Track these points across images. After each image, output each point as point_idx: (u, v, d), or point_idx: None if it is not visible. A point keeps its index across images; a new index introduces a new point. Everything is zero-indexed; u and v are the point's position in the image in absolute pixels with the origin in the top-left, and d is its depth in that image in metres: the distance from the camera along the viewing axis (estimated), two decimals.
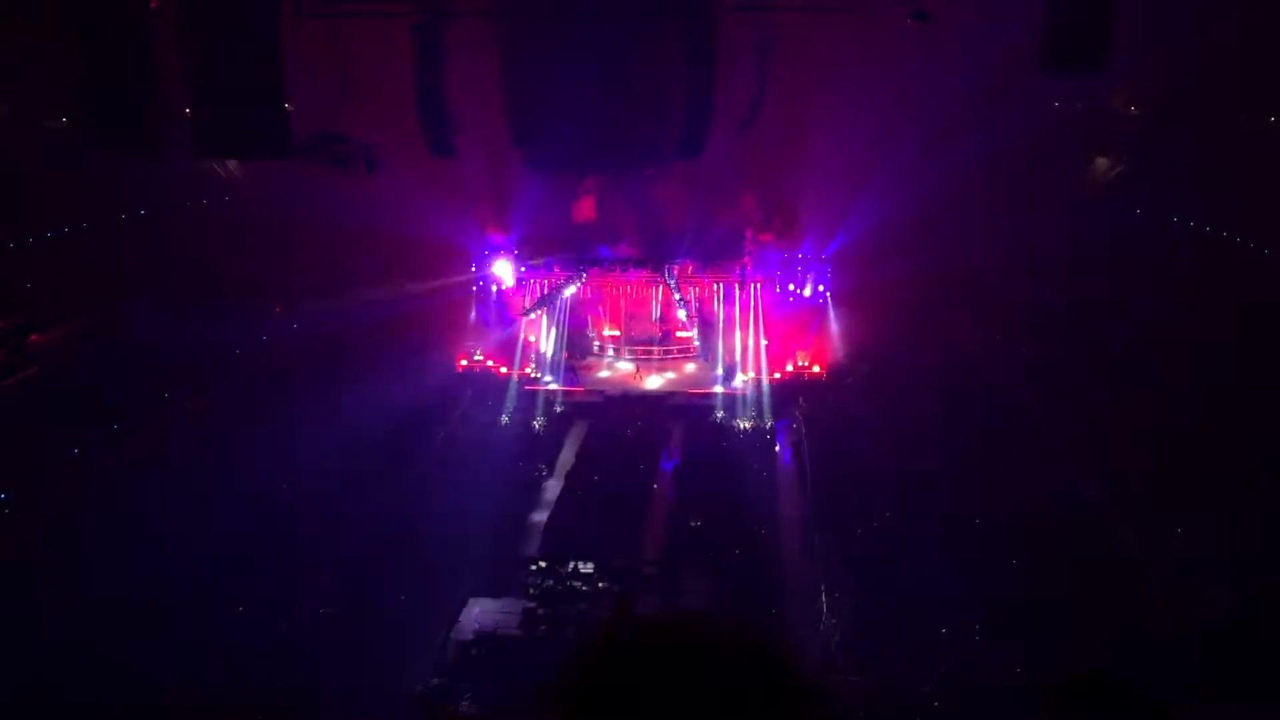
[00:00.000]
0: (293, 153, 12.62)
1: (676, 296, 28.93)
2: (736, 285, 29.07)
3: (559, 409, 27.39)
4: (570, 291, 29.40)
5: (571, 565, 18.99)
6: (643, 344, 30.04)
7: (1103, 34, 10.78)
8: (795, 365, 28.34)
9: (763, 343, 28.92)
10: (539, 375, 28.90)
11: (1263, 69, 18.19)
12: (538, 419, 26.94)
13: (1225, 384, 18.63)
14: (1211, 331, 19.45)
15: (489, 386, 27.96)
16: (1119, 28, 10.82)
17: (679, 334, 30.13)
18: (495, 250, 29.21)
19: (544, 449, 24.97)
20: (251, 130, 11.08)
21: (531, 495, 22.76)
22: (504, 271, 29.24)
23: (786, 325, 29.06)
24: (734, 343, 29.15)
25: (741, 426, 26.66)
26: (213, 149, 12.26)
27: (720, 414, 27.31)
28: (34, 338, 20.76)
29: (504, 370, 28.60)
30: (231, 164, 23.27)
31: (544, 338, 29.63)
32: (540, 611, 18.12)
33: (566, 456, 24.73)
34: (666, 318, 30.11)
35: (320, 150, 16.89)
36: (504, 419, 26.73)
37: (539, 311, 29.09)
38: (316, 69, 17.13)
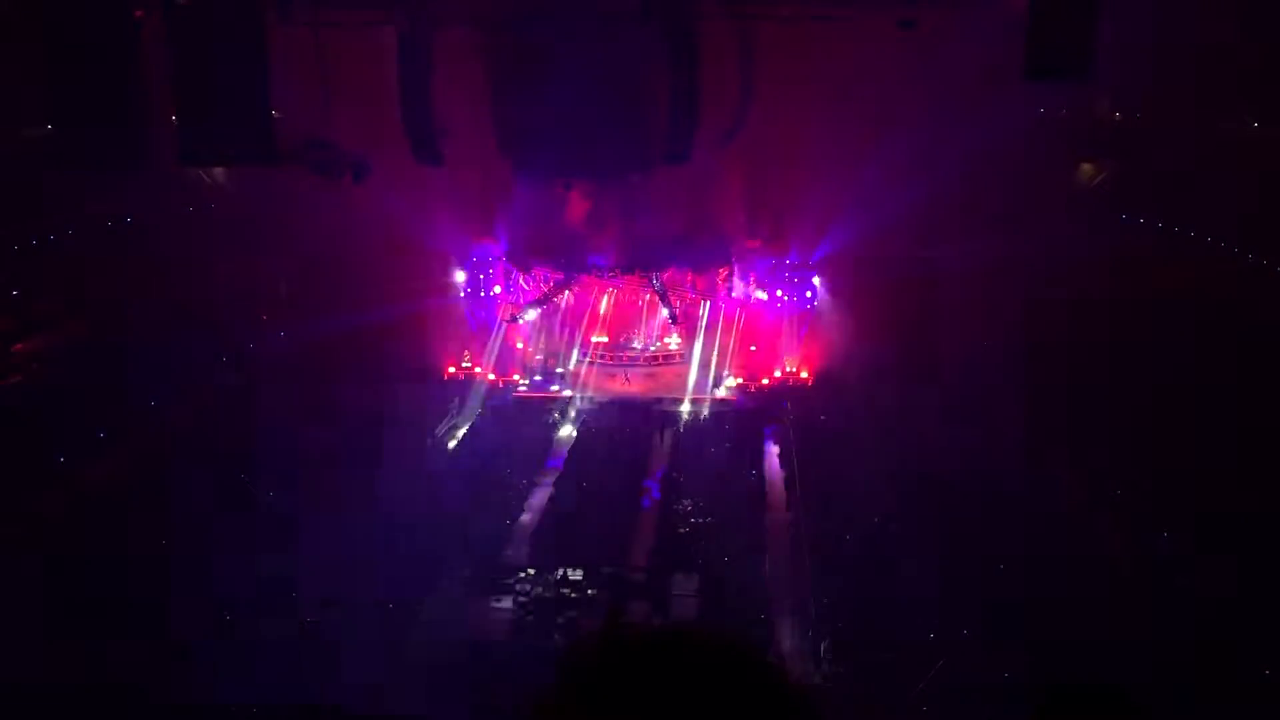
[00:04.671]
0: (279, 160, 12.60)
1: (663, 307, 28.93)
2: (724, 296, 29.15)
3: (549, 417, 27.36)
4: (557, 298, 29.37)
5: (560, 572, 18.95)
6: (630, 350, 30.02)
7: (1086, 41, 10.85)
8: (783, 371, 28.37)
9: (750, 348, 28.99)
10: (526, 381, 28.88)
11: (1244, 75, 18.33)
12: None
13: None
14: (1206, 339, 19.51)
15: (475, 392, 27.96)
16: (1102, 34, 10.89)
17: (666, 340, 30.11)
18: (483, 257, 29.14)
19: (532, 455, 24.89)
20: (238, 138, 11.07)
21: (520, 502, 22.71)
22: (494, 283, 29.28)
23: (774, 331, 29.07)
24: (721, 349, 29.23)
25: None
26: (199, 157, 12.21)
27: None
28: (18, 346, 20.59)
29: (491, 376, 28.57)
30: (217, 172, 23.12)
31: (531, 344, 29.61)
32: (529, 619, 18.08)
33: (555, 464, 24.68)
34: (653, 324, 30.07)
35: (307, 158, 16.79)
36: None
37: (526, 318, 29.07)
38: (302, 77, 17.07)
